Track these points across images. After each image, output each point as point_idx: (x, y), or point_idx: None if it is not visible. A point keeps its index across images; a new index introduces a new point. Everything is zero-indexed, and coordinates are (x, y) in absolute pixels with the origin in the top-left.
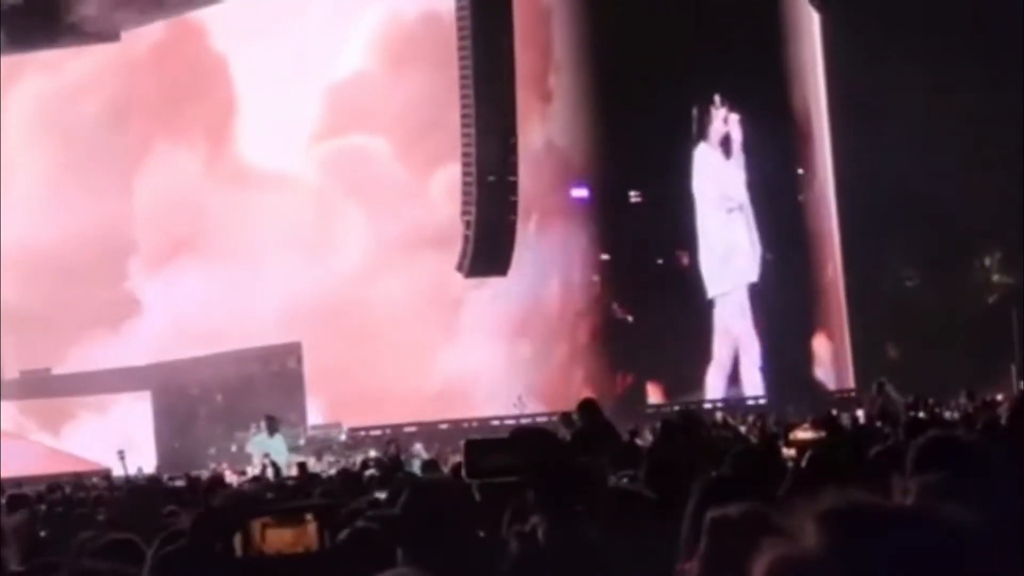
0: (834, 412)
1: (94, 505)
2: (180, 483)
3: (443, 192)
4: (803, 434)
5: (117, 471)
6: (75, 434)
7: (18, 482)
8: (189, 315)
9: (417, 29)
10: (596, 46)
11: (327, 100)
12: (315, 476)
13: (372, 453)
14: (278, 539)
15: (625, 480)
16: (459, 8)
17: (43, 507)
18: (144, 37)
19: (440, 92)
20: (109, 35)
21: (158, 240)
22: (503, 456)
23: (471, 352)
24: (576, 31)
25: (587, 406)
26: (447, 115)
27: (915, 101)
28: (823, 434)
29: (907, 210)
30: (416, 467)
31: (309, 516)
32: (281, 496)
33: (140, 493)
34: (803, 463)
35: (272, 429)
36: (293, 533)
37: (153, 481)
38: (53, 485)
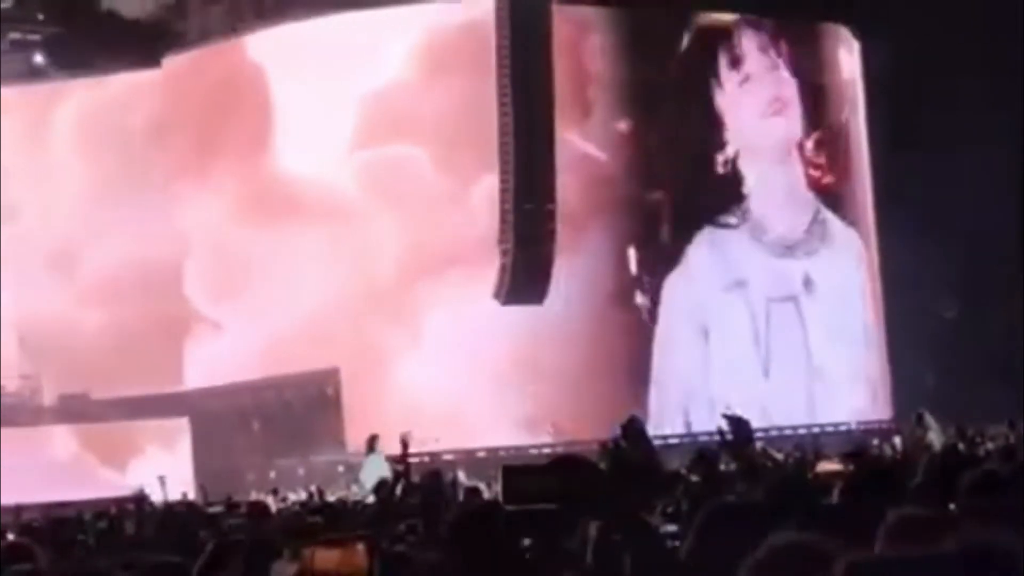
0: (875, 442)
1: (136, 527)
2: (217, 508)
3: (484, 202)
4: (829, 466)
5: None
6: (140, 467)
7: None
8: (227, 339)
9: (457, 38)
10: (634, 59)
11: (366, 110)
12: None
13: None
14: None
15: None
16: (498, 26)
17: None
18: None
19: (481, 100)
20: (150, 62)
21: (196, 262)
22: (541, 482)
23: (505, 376)
24: (615, 43)
25: (633, 426)
26: (488, 123)
27: (958, 132)
28: (850, 467)
29: (947, 239)
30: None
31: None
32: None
33: (176, 517)
34: (835, 494)
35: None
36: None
37: (190, 507)
38: (100, 512)
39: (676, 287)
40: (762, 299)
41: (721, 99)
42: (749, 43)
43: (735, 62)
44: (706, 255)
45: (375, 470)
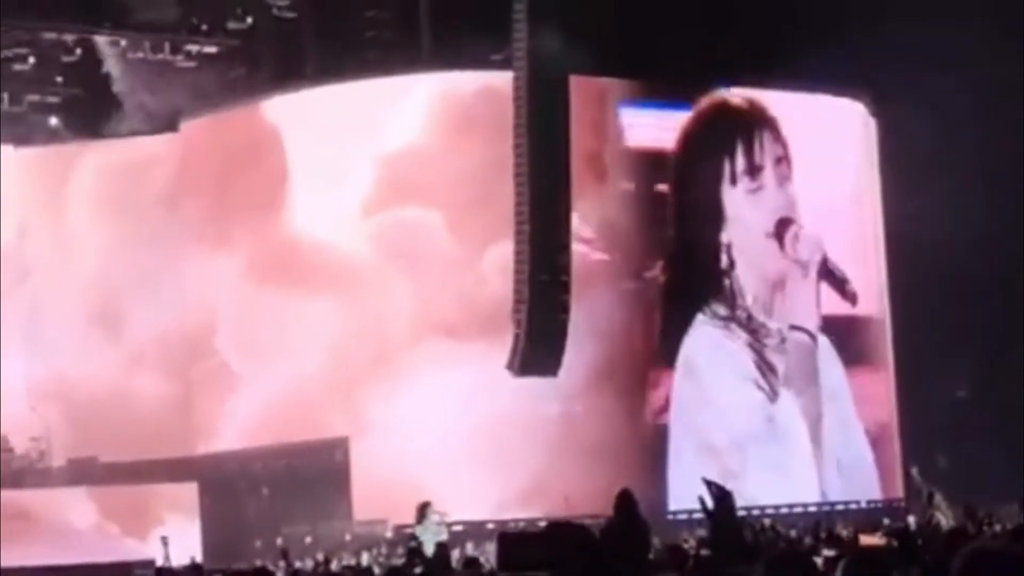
0: (885, 521)
1: None
2: None
3: (498, 267)
4: (871, 540)
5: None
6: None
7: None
8: (237, 404)
9: (474, 103)
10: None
11: (381, 173)
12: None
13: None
14: None
15: None
16: (516, 95)
17: None
18: None
19: (497, 165)
20: (167, 126)
21: (210, 325)
22: (536, 550)
23: (516, 446)
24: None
25: (624, 499)
26: (504, 189)
27: (968, 212)
28: (893, 542)
29: (958, 319)
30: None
31: None
32: None
33: None
34: (839, 569)
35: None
36: None
37: (196, 570)
38: None
39: (694, 365)
40: (779, 386)
41: (727, 197)
42: (767, 147)
43: (752, 169)
44: (709, 343)
45: (433, 536)
